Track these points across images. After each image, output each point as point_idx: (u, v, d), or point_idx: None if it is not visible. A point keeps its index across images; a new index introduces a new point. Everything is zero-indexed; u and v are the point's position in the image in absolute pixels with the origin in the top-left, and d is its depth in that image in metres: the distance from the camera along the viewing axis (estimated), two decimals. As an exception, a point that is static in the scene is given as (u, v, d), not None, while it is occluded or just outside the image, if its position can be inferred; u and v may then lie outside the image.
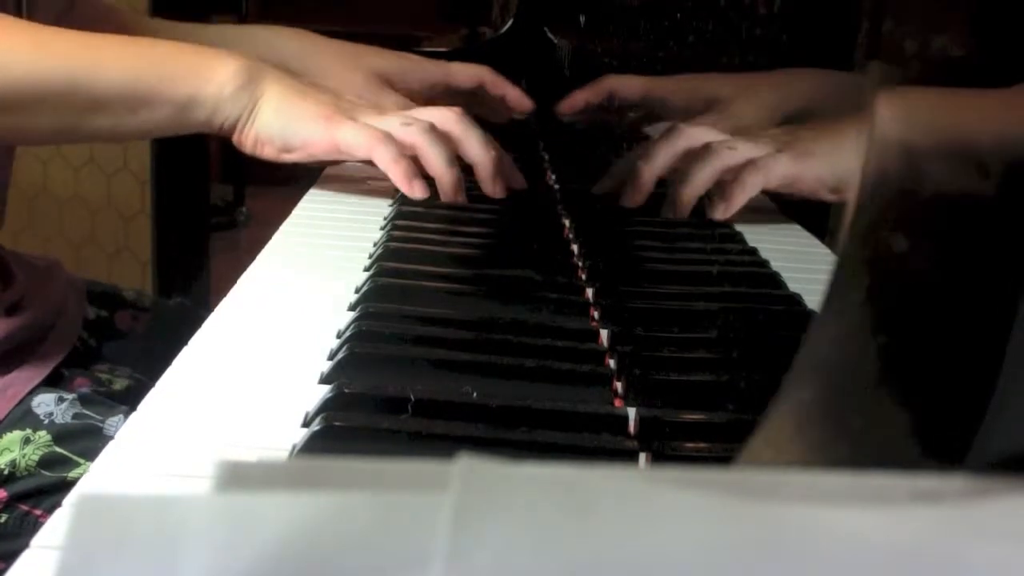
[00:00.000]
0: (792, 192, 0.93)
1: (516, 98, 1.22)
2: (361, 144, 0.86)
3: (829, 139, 0.93)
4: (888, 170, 0.26)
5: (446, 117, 0.91)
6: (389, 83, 1.11)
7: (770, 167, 0.90)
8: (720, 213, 0.91)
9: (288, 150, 0.89)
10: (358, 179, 1.04)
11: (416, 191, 0.87)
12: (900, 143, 0.26)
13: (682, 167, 0.93)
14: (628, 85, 1.18)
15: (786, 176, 0.91)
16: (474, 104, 1.27)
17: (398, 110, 0.94)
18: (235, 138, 0.88)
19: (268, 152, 0.89)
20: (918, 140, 0.26)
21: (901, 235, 0.26)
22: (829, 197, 0.92)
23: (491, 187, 0.92)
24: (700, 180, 0.91)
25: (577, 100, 1.21)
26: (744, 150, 0.91)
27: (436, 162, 0.88)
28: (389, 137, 0.87)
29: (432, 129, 0.89)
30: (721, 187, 0.91)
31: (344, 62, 1.10)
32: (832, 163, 0.91)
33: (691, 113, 1.10)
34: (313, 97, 0.90)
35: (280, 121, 0.87)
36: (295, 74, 0.93)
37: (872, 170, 0.26)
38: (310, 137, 0.87)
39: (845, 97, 1.02)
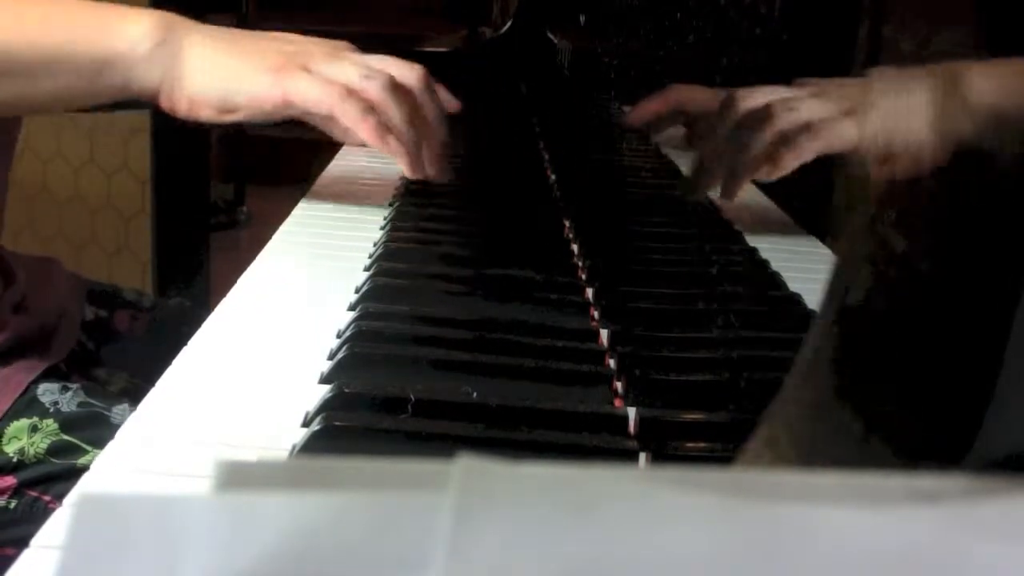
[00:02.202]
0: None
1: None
2: (318, 97, 0.77)
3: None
4: (978, 137, 0.26)
5: (408, 74, 0.83)
6: None
7: (832, 132, 0.82)
8: (766, 174, 0.83)
9: (230, 109, 0.79)
10: (359, 179, 1.04)
11: (391, 146, 0.79)
12: (991, 111, 0.26)
13: (736, 135, 0.85)
14: (695, 96, 1.18)
15: (851, 141, 0.82)
16: None
17: (351, 57, 0.84)
18: (163, 102, 0.79)
19: (206, 114, 0.79)
20: (1010, 109, 0.26)
21: (913, 221, 0.26)
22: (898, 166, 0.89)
23: (409, 163, 0.82)
24: (758, 151, 0.83)
25: (646, 111, 1.20)
26: (806, 110, 0.84)
27: (397, 122, 0.80)
28: (351, 91, 0.78)
29: (393, 84, 0.81)
30: (772, 148, 0.83)
31: None
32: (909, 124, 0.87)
33: None
34: (252, 46, 0.80)
35: (218, 77, 0.78)
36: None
37: (959, 137, 0.26)
38: (256, 92, 0.78)
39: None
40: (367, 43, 1.16)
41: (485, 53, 1.69)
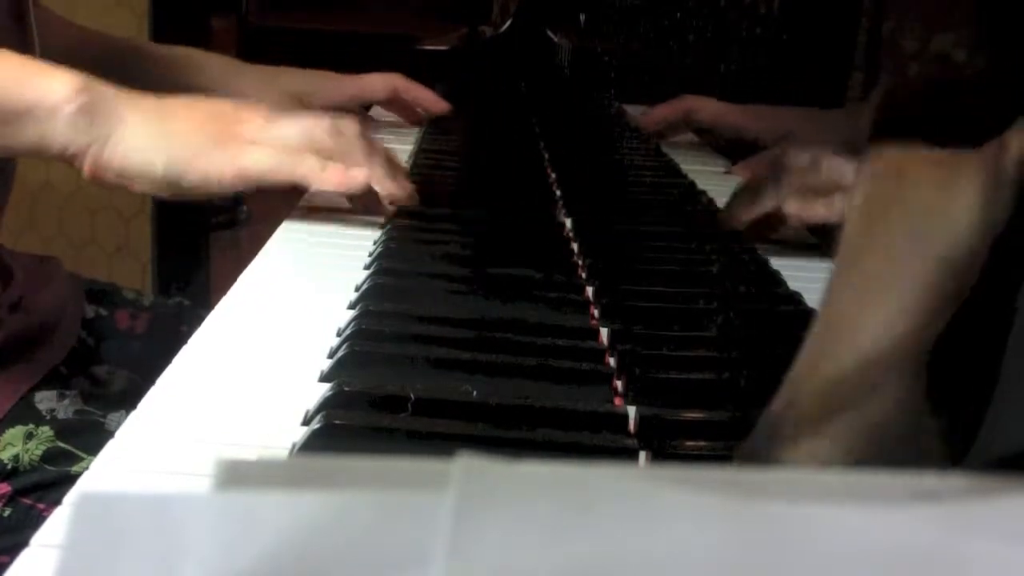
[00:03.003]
0: None
1: (430, 101, 1.26)
2: (274, 166, 0.76)
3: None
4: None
5: (343, 121, 0.82)
6: (305, 101, 1.12)
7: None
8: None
9: (177, 189, 0.76)
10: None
11: (358, 180, 0.79)
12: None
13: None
14: (706, 107, 1.22)
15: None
16: (393, 109, 1.31)
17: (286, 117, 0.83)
18: (88, 169, 0.75)
19: (143, 187, 0.76)
20: None
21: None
22: None
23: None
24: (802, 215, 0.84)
25: (657, 115, 1.25)
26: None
27: (360, 155, 0.81)
28: (301, 152, 0.78)
29: (337, 127, 0.81)
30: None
31: (260, 84, 1.11)
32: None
33: (761, 143, 1.13)
34: (191, 117, 0.77)
35: (163, 154, 0.75)
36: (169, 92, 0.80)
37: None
38: (211, 171, 0.75)
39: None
40: (367, 43, 1.17)
41: (485, 52, 1.69)
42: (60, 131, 0.74)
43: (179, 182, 0.75)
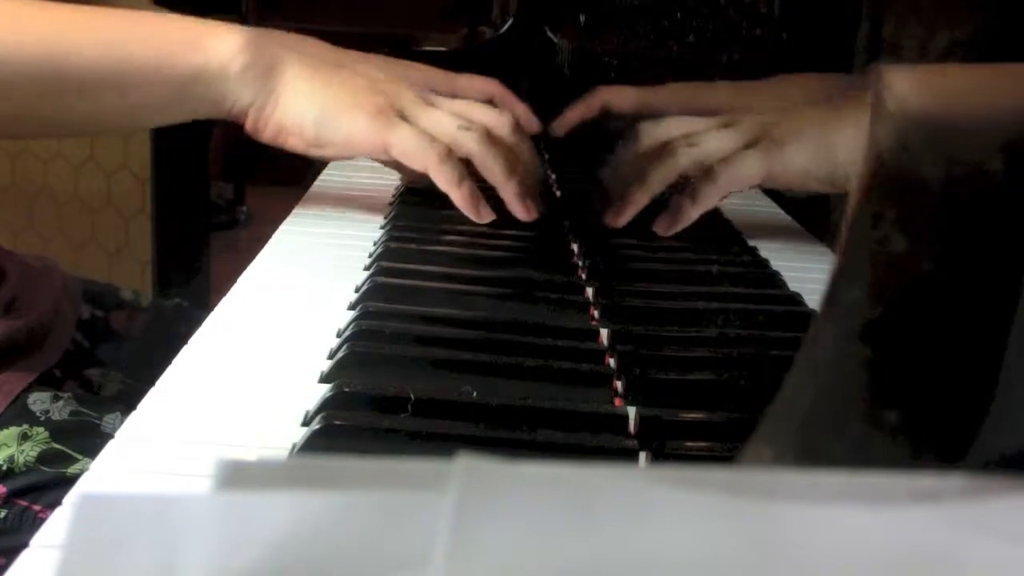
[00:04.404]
0: (779, 187, 0.86)
1: (524, 117, 1.16)
2: (419, 155, 0.77)
3: (820, 123, 0.81)
4: (902, 147, 0.25)
5: (501, 123, 0.83)
6: None
7: (733, 170, 0.79)
8: (663, 228, 0.83)
9: (322, 145, 0.78)
10: (359, 178, 1.04)
11: (483, 216, 0.81)
12: (916, 117, 0.25)
13: (638, 169, 0.83)
14: (621, 97, 1.12)
15: (757, 176, 0.79)
16: None
17: (444, 104, 0.83)
18: (249, 125, 0.78)
19: (294, 144, 0.78)
20: (935, 113, 0.25)
21: (909, 220, 0.26)
22: (821, 189, 0.82)
23: (520, 209, 0.83)
24: (649, 186, 0.82)
25: (571, 118, 1.15)
26: (709, 145, 0.81)
27: (497, 175, 0.80)
28: (449, 153, 0.78)
29: (488, 137, 0.81)
30: (676, 196, 0.82)
31: None
32: (823, 149, 0.79)
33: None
34: (351, 83, 0.79)
35: (316, 110, 0.77)
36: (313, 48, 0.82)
37: (884, 148, 0.25)
38: (355, 134, 0.77)
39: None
40: (367, 43, 1.16)
41: (485, 53, 1.69)
42: (231, 90, 0.75)
43: (326, 142, 0.78)
